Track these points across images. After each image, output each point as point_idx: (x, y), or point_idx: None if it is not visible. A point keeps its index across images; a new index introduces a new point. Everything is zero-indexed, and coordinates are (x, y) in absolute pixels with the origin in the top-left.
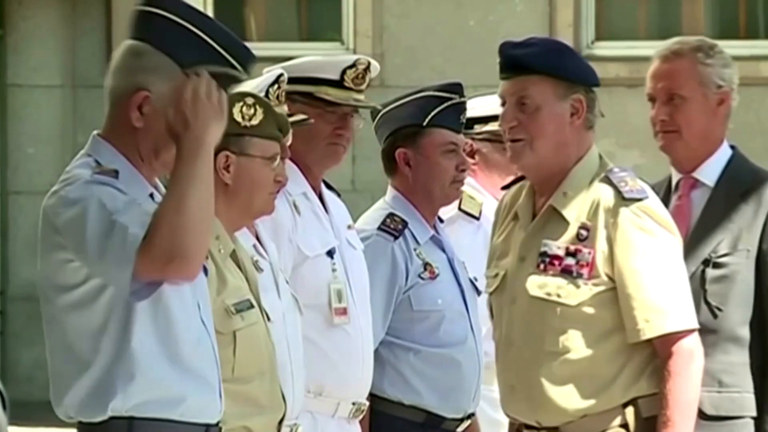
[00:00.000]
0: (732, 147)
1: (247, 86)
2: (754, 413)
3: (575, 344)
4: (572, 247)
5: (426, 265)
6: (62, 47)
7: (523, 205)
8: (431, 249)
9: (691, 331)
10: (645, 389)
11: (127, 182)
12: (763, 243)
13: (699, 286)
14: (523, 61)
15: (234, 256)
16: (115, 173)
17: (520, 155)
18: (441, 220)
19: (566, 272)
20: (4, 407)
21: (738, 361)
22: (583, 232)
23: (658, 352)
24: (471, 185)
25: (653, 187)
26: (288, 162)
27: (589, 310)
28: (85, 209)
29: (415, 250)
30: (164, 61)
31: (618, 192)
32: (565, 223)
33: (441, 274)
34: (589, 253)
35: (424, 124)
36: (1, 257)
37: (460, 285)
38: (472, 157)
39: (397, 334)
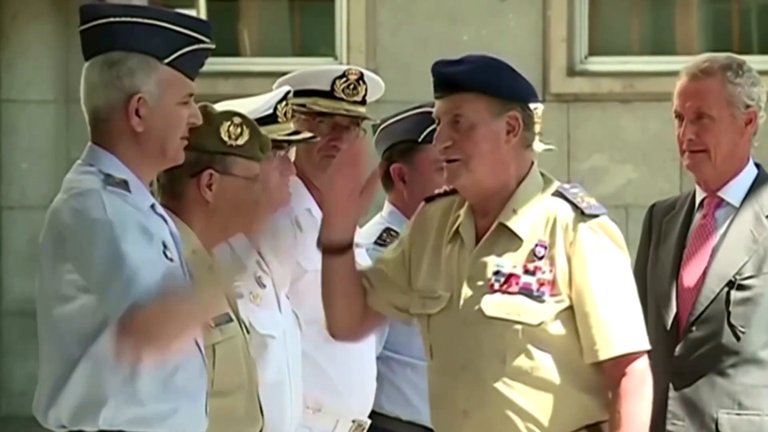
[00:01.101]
0: (757, 165)
1: (254, 103)
2: None
3: (537, 364)
4: (530, 266)
5: None
6: (55, 62)
7: (465, 225)
8: None
9: (645, 352)
10: (599, 415)
11: (133, 192)
12: None
13: (723, 307)
14: (455, 78)
15: (211, 271)
16: (126, 184)
17: (456, 176)
18: None
19: (525, 290)
20: None
21: (759, 383)
22: (540, 250)
23: (607, 373)
24: None
25: (673, 203)
26: (293, 177)
27: (551, 329)
28: (95, 229)
29: None
30: (142, 59)
31: (576, 207)
32: (518, 240)
33: None
34: (550, 271)
35: (419, 140)
36: None
37: None
38: None
39: (395, 349)
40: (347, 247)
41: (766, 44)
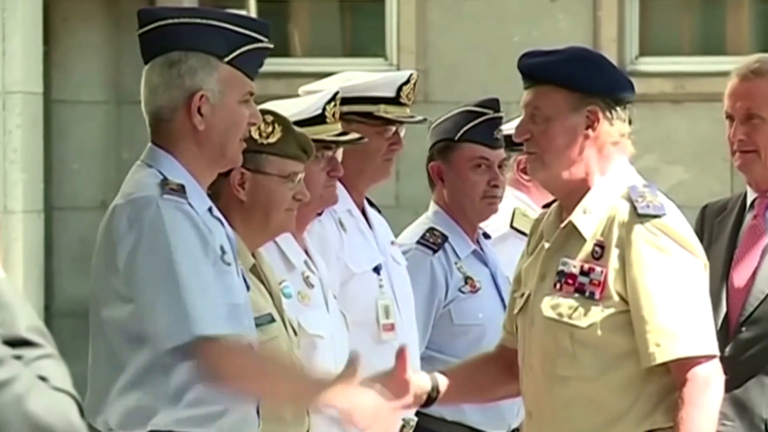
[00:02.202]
0: None
1: (303, 104)
2: None
3: (587, 369)
4: (586, 266)
5: (467, 279)
6: (106, 63)
7: (549, 224)
8: (473, 263)
9: (709, 357)
10: (661, 422)
11: (191, 195)
12: None
13: None
14: (535, 70)
15: (255, 270)
16: (182, 189)
17: (534, 169)
18: (487, 236)
19: (579, 292)
20: (82, 414)
21: None
22: (598, 250)
23: (675, 379)
24: (524, 202)
25: (725, 204)
26: None
27: (601, 332)
28: (148, 243)
29: (455, 263)
30: (202, 58)
31: (634, 207)
32: (583, 240)
33: (482, 288)
34: (602, 271)
35: (456, 138)
36: (46, 273)
37: (502, 299)
38: (525, 173)
39: (439, 349)
40: (430, 400)
41: None
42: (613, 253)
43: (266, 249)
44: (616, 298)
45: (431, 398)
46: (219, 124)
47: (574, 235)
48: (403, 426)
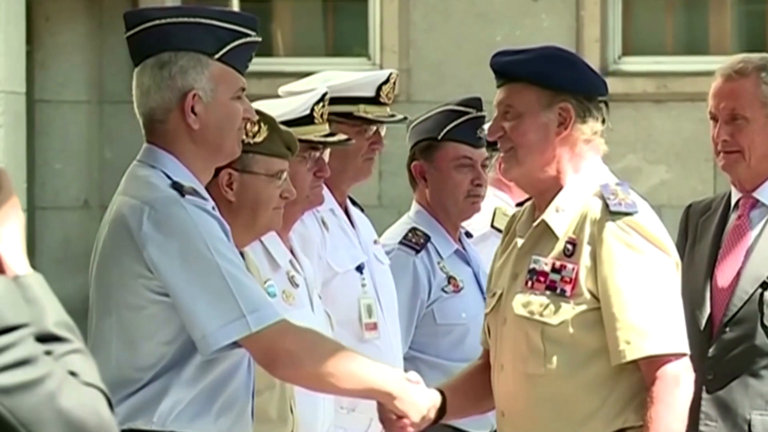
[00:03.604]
0: None
1: (291, 104)
2: None
3: (558, 367)
4: (558, 263)
5: (450, 279)
6: (89, 63)
7: (522, 222)
8: (455, 262)
9: (679, 355)
10: (633, 420)
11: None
12: None
13: (757, 308)
14: (507, 68)
15: None
16: (196, 192)
17: (507, 167)
18: (469, 235)
19: (550, 289)
20: (111, 408)
21: None
22: (570, 247)
23: (644, 377)
24: (506, 201)
25: (709, 204)
26: None
27: (572, 330)
28: (187, 239)
29: (438, 263)
30: (192, 57)
31: (605, 205)
32: (555, 238)
33: (465, 288)
34: (573, 268)
35: (439, 137)
36: None
37: (485, 299)
38: None
39: (422, 349)
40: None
41: None
42: (585, 250)
43: (252, 248)
44: (587, 295)
45: (438, 417)
46: (213, 121)
47: (546, 233)
48: None
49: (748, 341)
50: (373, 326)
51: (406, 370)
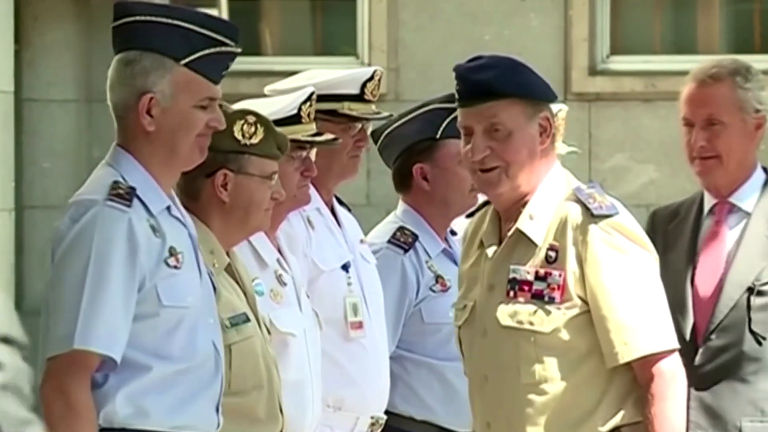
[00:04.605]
0: (765, 170)
1: (278, 104)
2: None
3: (552, 373)
4: (542, 271)
5: (437, 278)
6: (77, 62)
7: (488, 232)
8: (443, 262)
9: (671, 351)
10: (628, 417)
11: (145, 195)
12: None
13: (744, 314)
14: (489, 85)
15: (229, 270)
16: (132, 191)
17: (495, 184)
18: (454, 233)
19: (537, 297)
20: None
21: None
22: (552, 254)
23: (638, 376)
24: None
25: (677, 209)
26: None
27: (565, 336)
28: (76, 251)
29: (426, 262)
30: (157, 59)
31: (586, 209)
32: (533, 246)
33: (453, 287)
34: (560, 275)
35: (437, 136)
36: (16, 272)
37: None
38: None
39: (409, 348)
40: None
41: None
42: (570, 256)
43: (239, 247)
44: (576, 300)
45: None
46: (169, 126)
47: (522, 241)
48: (373, 424)
49: (735, 348)
50: (359, 325)
51: (392, 369)
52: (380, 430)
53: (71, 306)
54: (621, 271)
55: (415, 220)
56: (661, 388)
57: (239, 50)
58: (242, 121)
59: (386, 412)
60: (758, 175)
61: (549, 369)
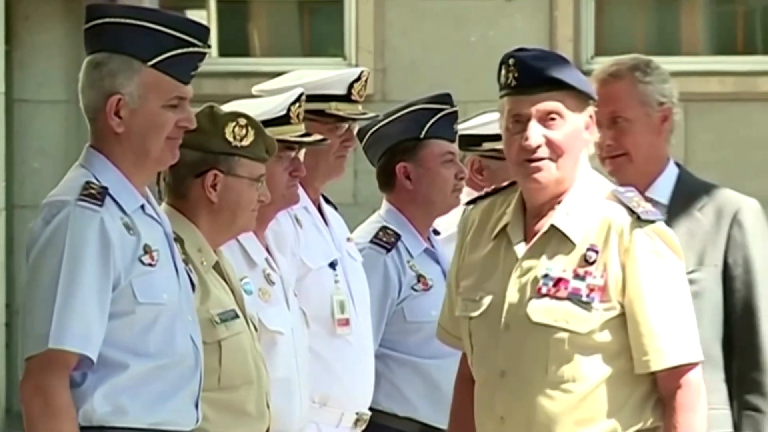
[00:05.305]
0: (677, 164)
1: (267, 104)
2: (731, 429)
3: (580, 373)
4: (580, 270)
5: (419, 277)
6: (67, 63)
7: (513, 226)
8: (425, 261)
9: (698, 363)
10: (649, 422)
11: (119, 195)
12: (728, 257)
13: None
14: (553, 74)
15: (217, 268)
16: (104, 191)
17: (544, 174)
18: (437, 232)
19: (574, 295)
20: None
21: (712, 378)
22: (592, 254)
23: (661, 384)
24: None
25: None
26: None
27: (599, 337)
28: (48, 252)
29: (408, 262)
30: (125, 61)
31: (632, 212)
32: (571, 244)
33: (435, 286)
34: (601, 276)
35: (422, 136)
36: (7, 270)
37: None
38: (480, 173)
39: (392, 346)
40: None
41: None
42: (613, 259)
43: (228, 247)
44: (615, 303)
45: None
46: (138, 127)
47: (555, 237)
48: (357, 420)
49: None
50: (346, 322)
51: (376, 367)
52: (364, 426)
53: (45, 306)
54: (660, 278)
55: (397, 220)
56: (688, 398)
57: (208, 50)
58: (234, 123)
59: (370, 409)
60: (671, 168)
61: (578, 368)
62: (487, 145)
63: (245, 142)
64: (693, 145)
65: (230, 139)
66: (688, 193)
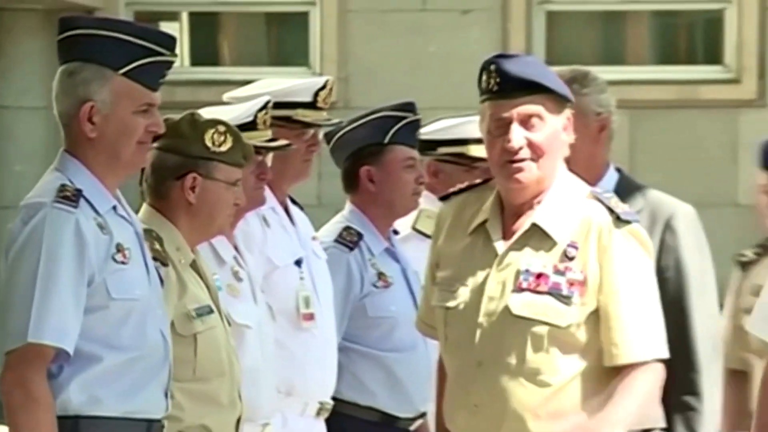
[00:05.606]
0: (618, 169)
1: (235, 111)
2: (664, 424)
3: (557, 366)
4: (561, 266)
5: (380, 275)
6: (47, 72)
7: (492, 222)
8: (385, 260)
9: (662, 360)
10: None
11: (92, 197)
12: (660, 260)
13: None
14: (533, 79)
15: (194, 266)
16: (78, 193)
17: (525, 174)
18: (396, 232)
19: (554, 290)
20: None
21: None
22: (572, 251)
23: (622, 373)
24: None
25: None
26: None
27: (577, 331)
28: (26, 251)
29: (370, 260)
30: (97, 70)
31: (612, 212)
32: (551, 241)
33: (394, 284)
34: (581, 272)
35: (385, 142)
36: None
37: (412, 293)
38: (436, 176)
39: (354, 339)
40: None
41: (711, 54)
42: (591, 256)
43: (199, 246)
44: (593, 297)
45: None
46: (110, 132)
47: (536, 235)
48: (320, 409)
49: None
50: (310, 316)
51: (339, 359)
52: (327, 414)
53: (24, 302)
54: (633, 277)
55: (360, 220)
56: (640, 383)
57: (175, 58)
58: (213, 130)
59: (333, 398)
60: (611, 174)
61: (554, 362)
62: (442, 150)
63: (223, 148)
64: (637, 150)
65: (209, 144)
66: (628, 198)
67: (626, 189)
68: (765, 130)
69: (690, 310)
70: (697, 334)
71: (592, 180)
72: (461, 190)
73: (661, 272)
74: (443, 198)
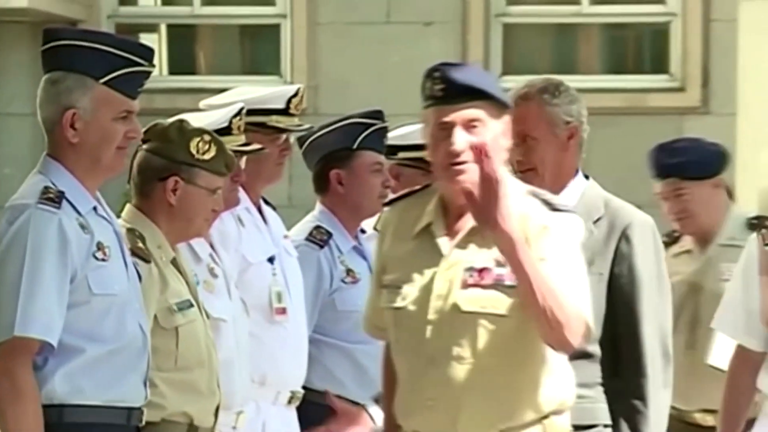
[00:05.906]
0: (587, 177)
1: (212, 117)
2: (608, 421)
3: (505, 356)
4: (502, 258)
5: (348, 271)
6: (34, 80)
7: (437, 224)
8: (353, 257)
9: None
10: (568, 398)
11: (74, 198)
12: (614, 267)
13: None
14: (475, 86)
15: (175, 263)
16: (61, 195)
17: (468, 176)
18: (363, 231)
19: (498, 282)
20: None
21: (590, 375)
22: None
23: None
24: None
25: None
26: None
27: (521, 318)
28: (12, 249)
29: (338, 257)
30: (79, 79)
31: (548, 203)
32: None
33: (362, 279)
34: None
35: (354, 147)
36: None
37: None
38: (397, 179)
39: (324, 332)
40: None
41: (657, 65)
42: (530, 242)
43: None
44: None
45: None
46: (91, 138)
47: (479, 234)
48: (291, 398)
49: None
50: (282, 311)
51: (309, 351)
52: (298, 403)
53: (11, 298)
54: (564, 254)
55: (329, 220)
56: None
57: (153, 69)
58: (198, 138)
59: (303, 388)
60: (578, 181)
61: (502, 351)
62: (402, 154)
63: (207, 156)
64: (589, 156)
65: (194, 151)
66: (589, 206)
67: (590, 198)
68: (708, 135)
69: (640, 317)
70: (646, 340)
71: (559, 186)
72: (402, 196)
73: (614, 279)
74: (386, 204)
